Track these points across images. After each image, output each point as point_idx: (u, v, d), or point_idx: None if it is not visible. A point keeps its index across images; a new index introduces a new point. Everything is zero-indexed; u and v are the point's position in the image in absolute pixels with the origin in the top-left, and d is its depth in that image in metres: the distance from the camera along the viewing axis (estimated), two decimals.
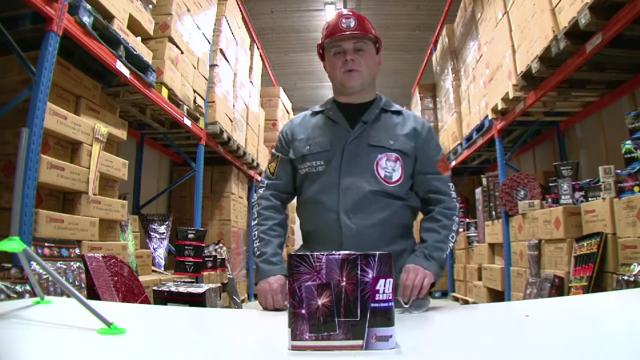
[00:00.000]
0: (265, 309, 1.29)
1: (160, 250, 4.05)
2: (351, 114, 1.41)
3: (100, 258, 2.44)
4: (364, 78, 1.39)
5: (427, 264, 1.26)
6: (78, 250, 2.33)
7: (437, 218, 1.36)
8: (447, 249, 1.32)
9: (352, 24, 1.35)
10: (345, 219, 1.31)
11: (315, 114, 1.49)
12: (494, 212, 4.56)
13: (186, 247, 3.70)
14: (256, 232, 1.42)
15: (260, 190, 1.50)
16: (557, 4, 2.85)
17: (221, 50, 4.70)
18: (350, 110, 1.42)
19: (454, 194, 1.40)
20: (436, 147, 1.43)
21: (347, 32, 1.34)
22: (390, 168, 1.35)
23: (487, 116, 4.43)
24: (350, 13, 1.39)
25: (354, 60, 1.35)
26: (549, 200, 3.65)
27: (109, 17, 2.67)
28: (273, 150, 1.53)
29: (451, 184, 1.42)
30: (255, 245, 1.41)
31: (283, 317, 0.81)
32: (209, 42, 4.45)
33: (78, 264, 2.27)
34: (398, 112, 1.44)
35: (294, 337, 0.74)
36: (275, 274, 1.31)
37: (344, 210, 1.31)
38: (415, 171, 1.40)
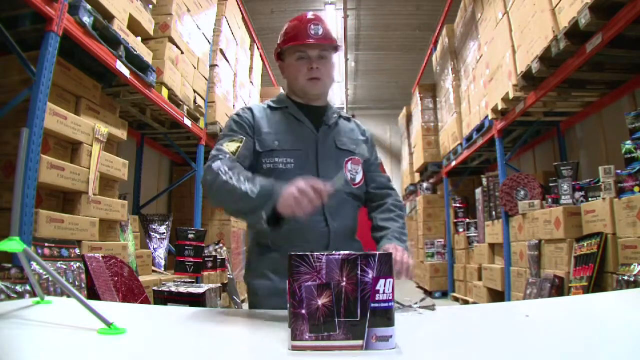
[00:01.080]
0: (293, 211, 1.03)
1: (160, 250, 4.05)
2: (312, 116, 1.41)
3: (100, 258, 2.44)
4: (326, 86, 1.42)
5: (402, 244, 1.31)
6: (78, 250, 2.34)
7: (392, 209, 1.45)
8: (406, 237, 1.40)
9: (320, 32, 1.35)
10: (330, 219, 1.32)
11: (273, 109, 1.43)
12: (494, 212, 4.56)
13: (186, 247, 3.70)
14: (230, 174, 1.15)
15: (218, 161, 1.23)
16: (557, 4, 2.85)
17: (221, 50, 4.70)
18: (310, 112, 1.42)
19: (396, 192, 1.53)
20: (376, 152, 1.57)
21: (314, 41, 1.33)
22: (354, 171, 1.41)
23: (487, 116, 4.43)
24: (317, 20, 1.38)
25: (319, 68, 1.36)
26: (549, 200, 3.65)
27: (109, 17, 2.67)
28: (229, 132, 1.33)
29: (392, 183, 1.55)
30: (231, 182, 1.13)
31: (283, 317, 0.81)
32: (209, 42, 4.45)
33: (78, 264, 2.27)
34: (348, 119, 1.52)
35: (294, 337, 0.74)
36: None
37: (329, 211, 1.32)
38: (364, 170, 1.47)
